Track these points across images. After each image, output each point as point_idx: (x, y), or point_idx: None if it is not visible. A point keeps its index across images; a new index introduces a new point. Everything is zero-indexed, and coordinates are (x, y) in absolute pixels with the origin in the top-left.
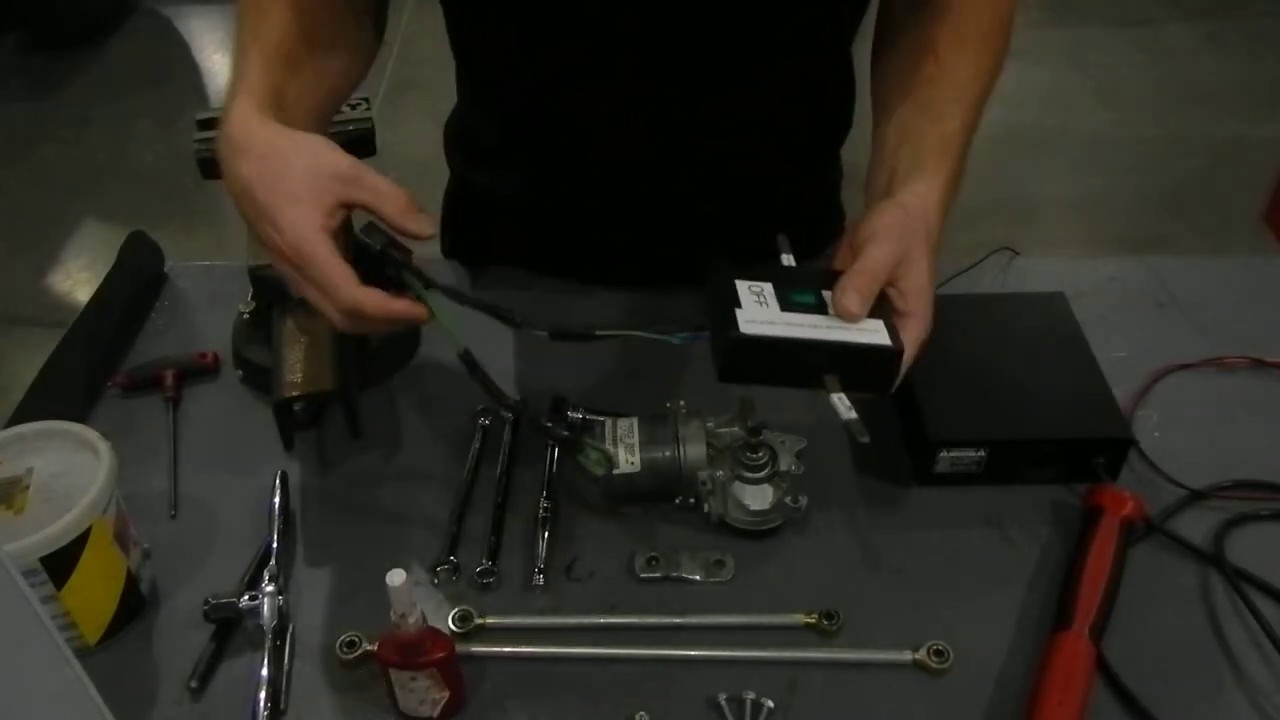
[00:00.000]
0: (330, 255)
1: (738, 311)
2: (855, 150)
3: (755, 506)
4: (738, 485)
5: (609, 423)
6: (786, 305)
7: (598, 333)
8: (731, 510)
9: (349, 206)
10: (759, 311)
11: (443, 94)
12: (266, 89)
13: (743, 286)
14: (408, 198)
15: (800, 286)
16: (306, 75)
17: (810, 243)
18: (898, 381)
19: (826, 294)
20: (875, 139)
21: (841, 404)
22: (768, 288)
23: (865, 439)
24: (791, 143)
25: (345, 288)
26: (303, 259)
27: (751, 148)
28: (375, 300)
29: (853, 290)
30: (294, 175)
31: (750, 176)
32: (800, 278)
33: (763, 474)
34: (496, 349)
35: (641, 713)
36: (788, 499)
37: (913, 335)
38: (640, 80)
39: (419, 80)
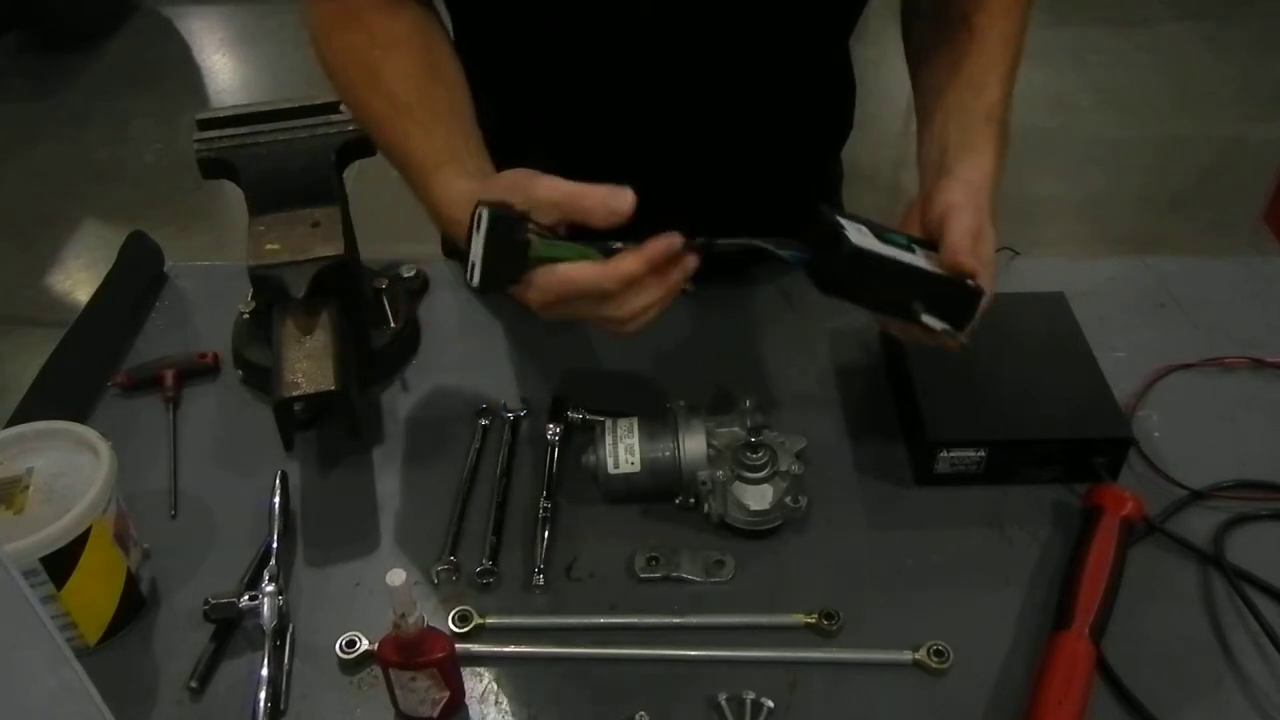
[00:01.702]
0: (568, 265)
1: (845, 232)
2: (855, 150)
3: (755, 506)
4: (738, 485)
5: (609, 423)
6: (883, 240)
7: (718, 242)
8: (731, 510)
9: (570, 224)
10: (862, 238)
11: None
12: (446, 155)
13: (844, 220)
14: (602, 192)
15: (890, 232)
16: (454, 108)
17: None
18: (973, 324)
19: (914, 246)
20: (920, 114)
21: (934, 321)
22: (865, 225)
23: (964, 340)
24: (792, 144)
25: (600, 275)
26: (552, 282)
27: (752, 148)
28: (631, 259)
29: (967, 250)
30: None
31: (751, 176)
32: (888, 229)
33: (763, 474)
34: (497, 349)
35: (641, 713)
36: (788, 499)
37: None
38: (643, 79)
39: None
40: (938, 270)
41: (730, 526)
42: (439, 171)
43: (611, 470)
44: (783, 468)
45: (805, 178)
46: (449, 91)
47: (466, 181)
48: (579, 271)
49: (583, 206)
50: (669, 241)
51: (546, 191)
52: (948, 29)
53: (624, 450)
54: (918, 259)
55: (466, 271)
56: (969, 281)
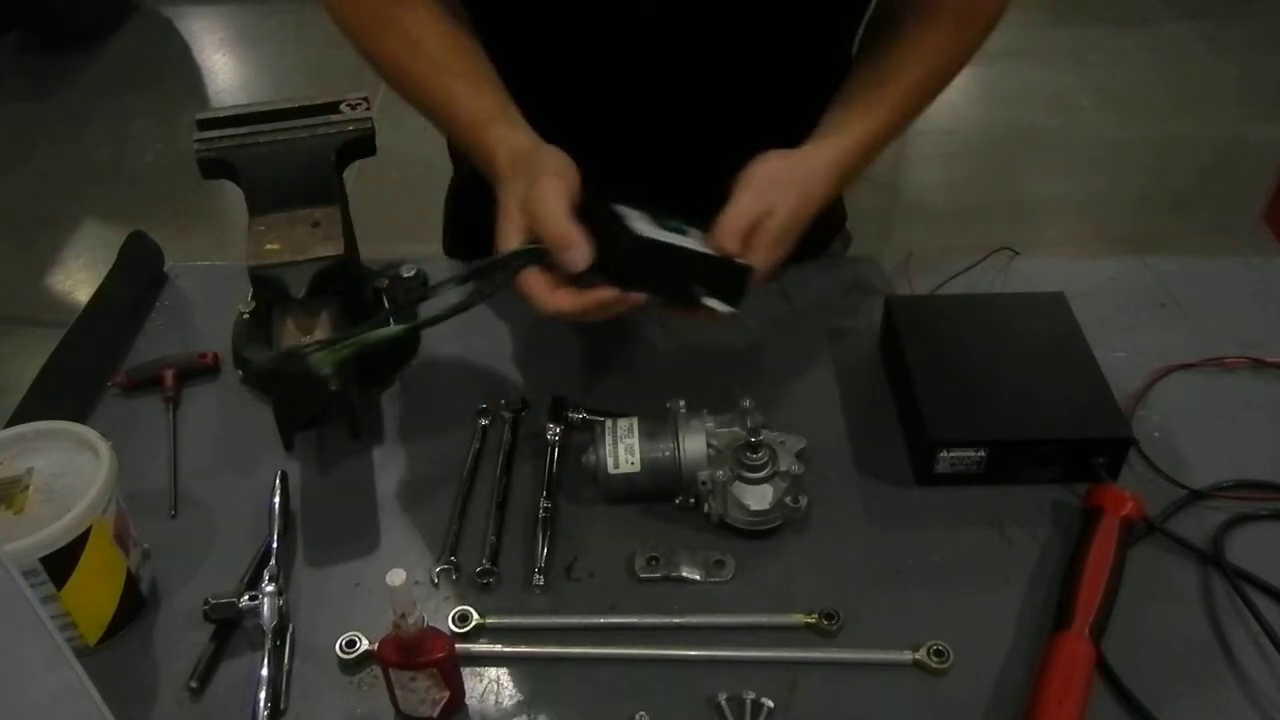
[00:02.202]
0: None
1: (628, 223)
2: None
3: (755, 506)
4: (738, 485)
5: (609, 423)
6: (662, 226)
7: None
8: (731, 510)
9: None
10: (644, 227)
11: None
12: (498, 109)
13: (624, 209)
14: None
15: (668, 217)
16: (493, 75)
17: (812, 241)
18: (744, 298)
19: (689, 229)
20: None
21: (716, 304)
22: (645, 212)
23: (753, 324)
24: (792, 143)
25: (543, 298)
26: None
27: (753, 147)
28: (568, 302)
29: (732, 231)
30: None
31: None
32: (662, 212)
33: (763, 474)
34: (497, 349)
35: (641, 713)
36: (788, 499)
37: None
38: (643, 80)
39: None
40: (711, 251)
41: (730, 526)
42: (494, 125)
43: (611, 470)
44: (783, 468)
45: None
46: (477, 48)
47: (523, 134)
48: (536, 285)
49: (555, 247)
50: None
51: (543, 214)
52: (887, 29)
53: (624, 450)
54: (693, 241)
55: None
56: (736, 261)
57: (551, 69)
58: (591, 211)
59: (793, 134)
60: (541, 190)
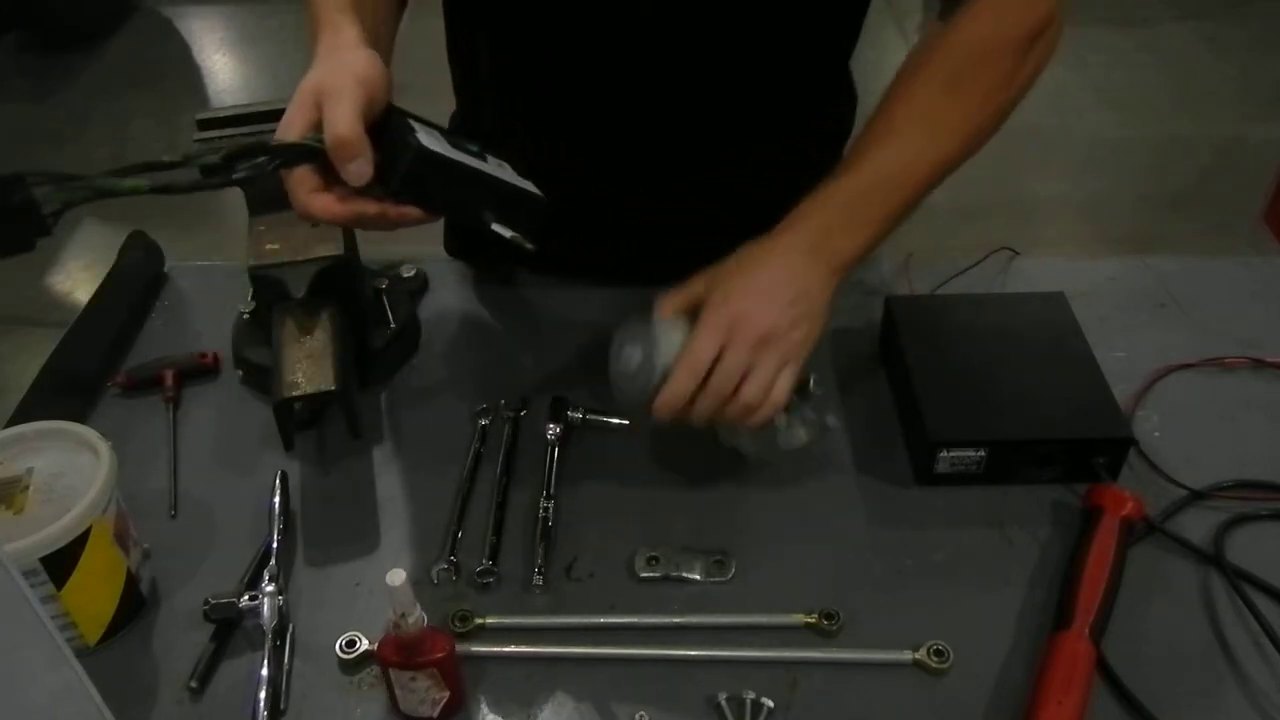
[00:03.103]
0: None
1: (416, 135)
2: None
3: (791, 446)
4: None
5: (659, 319)
6: (456, 148)
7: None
8: (765, 450)
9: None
10: (434, 142)
11: (441, 95)
12: (349, 5)
13: (416, 123)
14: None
15: (466, 141)
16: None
17: None
18: (540, 231)
19: (491, 159)
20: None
21: (504, 230)
22: (438, 132)
23: (530, 247)
24: (791, 150)
25: (300, 193)
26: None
27: (751, 152)
28: (321, 205)
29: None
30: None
31: (750, 180)
32: (466, 140)
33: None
34: (497, 349)
35: (641, 713)
36: (825, 419)
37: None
38: (640, 85)
39: (417, 81)
40: (510, 179)
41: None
42: (335, 14)
43: (662, 363)
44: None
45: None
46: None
47: (353, 31)
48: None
49: (336, 153)
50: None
51: (334, 116)
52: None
53: (667, 346)
54: (489, 167)
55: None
56: (535, 191)
57: (551, 69)
58: (387, 126)
59: (790, 131)
60: (338, 89)
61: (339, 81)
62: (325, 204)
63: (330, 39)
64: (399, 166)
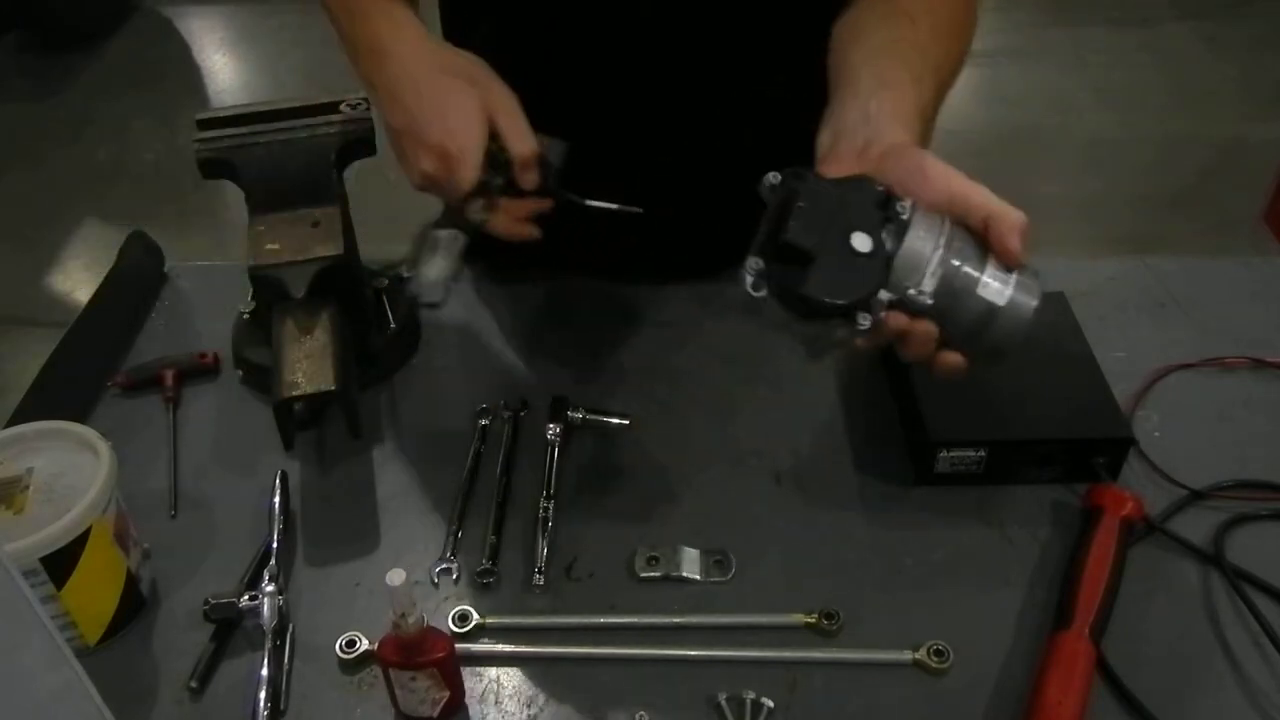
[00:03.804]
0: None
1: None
2: None
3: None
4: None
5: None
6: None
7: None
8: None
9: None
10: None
11: None
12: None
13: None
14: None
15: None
16: None
17: None
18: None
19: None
20: (841, 78)
21: (607, 204)
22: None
23: (637, 209)
24: (792, 141)
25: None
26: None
27: (752, 144)
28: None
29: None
30: (484, 78)
31: (751, 174)
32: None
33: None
34: (497, 349)
35: (641, 713)
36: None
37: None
38: (640, 75)
39: None
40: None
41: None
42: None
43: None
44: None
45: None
46: None
47: (400, 11)
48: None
49: (523, 168)
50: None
51: (516, 129)
52: (886, 20)
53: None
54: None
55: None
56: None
57: (551, 68)
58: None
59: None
60: (508, 107)
61: (503, 99)
62: (507, 224)
63: (417, 31)
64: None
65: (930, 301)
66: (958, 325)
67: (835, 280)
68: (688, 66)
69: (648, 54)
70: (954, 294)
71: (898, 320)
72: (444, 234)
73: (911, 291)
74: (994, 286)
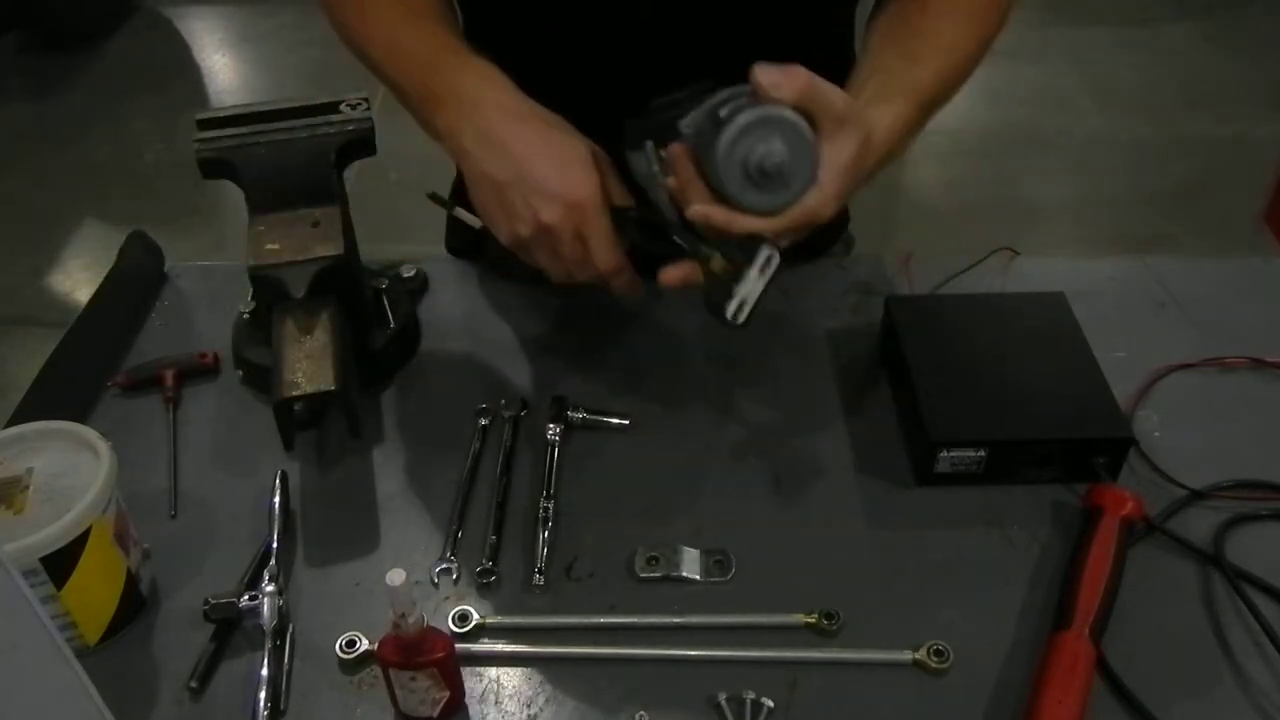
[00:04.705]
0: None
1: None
2: None
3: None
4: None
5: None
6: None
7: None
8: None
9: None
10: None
11: None
12: (449, 46)
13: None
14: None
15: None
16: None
17: (810, 242)
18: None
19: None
20: (850, 76)
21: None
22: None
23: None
24: None
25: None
26: (594, 208)
27: None
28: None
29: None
30: (582, 143)
31: None
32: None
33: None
34: (497, 349)
35: (641, 713)
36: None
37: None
38: (644, 66)
39: None
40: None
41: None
42: (480, 57)
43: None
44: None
45: None
46: (438, 22)
47: (485, 64)
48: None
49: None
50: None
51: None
52: (902, 12)
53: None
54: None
55: (731, 309)
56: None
57: (551, 70)
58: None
59: None
60: (603, 155)
61: (598, 151)
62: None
63: (488, 74)
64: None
65: (689, 130)
66: (712, 151)
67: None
68: (688, 68)
69: (648, 56)
70: (714, 121)
71: (675, 153)
72: (764, 251)
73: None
74: (741, 118)
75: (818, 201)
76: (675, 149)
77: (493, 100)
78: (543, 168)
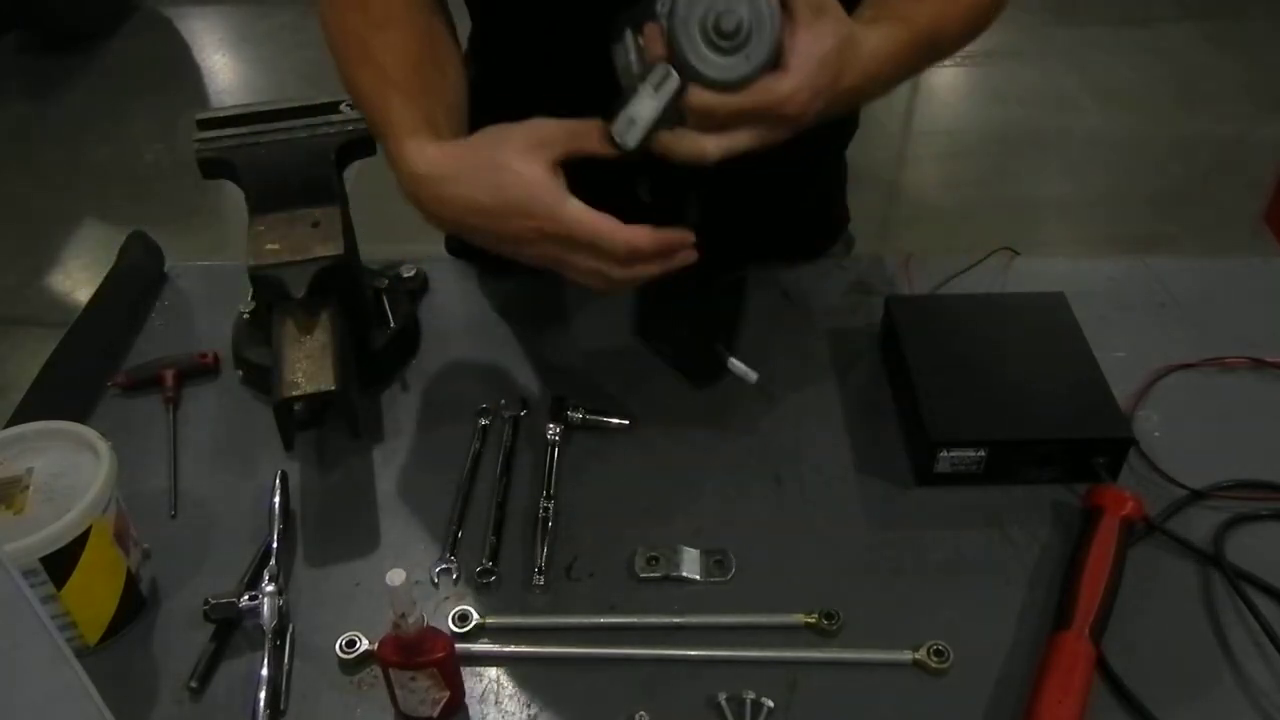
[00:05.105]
0: (587, 210)
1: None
2: (855, 149)
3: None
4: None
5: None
6: None
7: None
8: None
9: (563, 159)
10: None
11: None
12: (423, 123)
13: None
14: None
15: None
16: (444, 95)
17: (811, 243)
18: None
19: None
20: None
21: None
22: None
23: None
24: (797, 138)
25: (616, 232)
26: (564, 226)
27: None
28: (646, 235)
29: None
30: (511, 168)
31: (755, 170)
32: None
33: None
34: (497, 349)
35: (641, 713)
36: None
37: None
38: None
39: None
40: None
41: None
42: (414, 137)
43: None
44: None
45: (810, 175)
46: (439, 70)
47: (437, 147)
48: (598, 222)
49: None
50: (684, 237)
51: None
52: None
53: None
54: None
55: (618, 127)
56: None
57: (553, 70)
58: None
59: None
60: (541, 131)
61: (535, 132)
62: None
63: (407, 145)
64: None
65: (663, 8)
66: (673, 14)
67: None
68: None
69: None
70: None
71: (649, 34)
72: (659, 69)
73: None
74: None
75: (787, 86)
76: (650, 29)
77: (407, 173)
78: (483, 205)
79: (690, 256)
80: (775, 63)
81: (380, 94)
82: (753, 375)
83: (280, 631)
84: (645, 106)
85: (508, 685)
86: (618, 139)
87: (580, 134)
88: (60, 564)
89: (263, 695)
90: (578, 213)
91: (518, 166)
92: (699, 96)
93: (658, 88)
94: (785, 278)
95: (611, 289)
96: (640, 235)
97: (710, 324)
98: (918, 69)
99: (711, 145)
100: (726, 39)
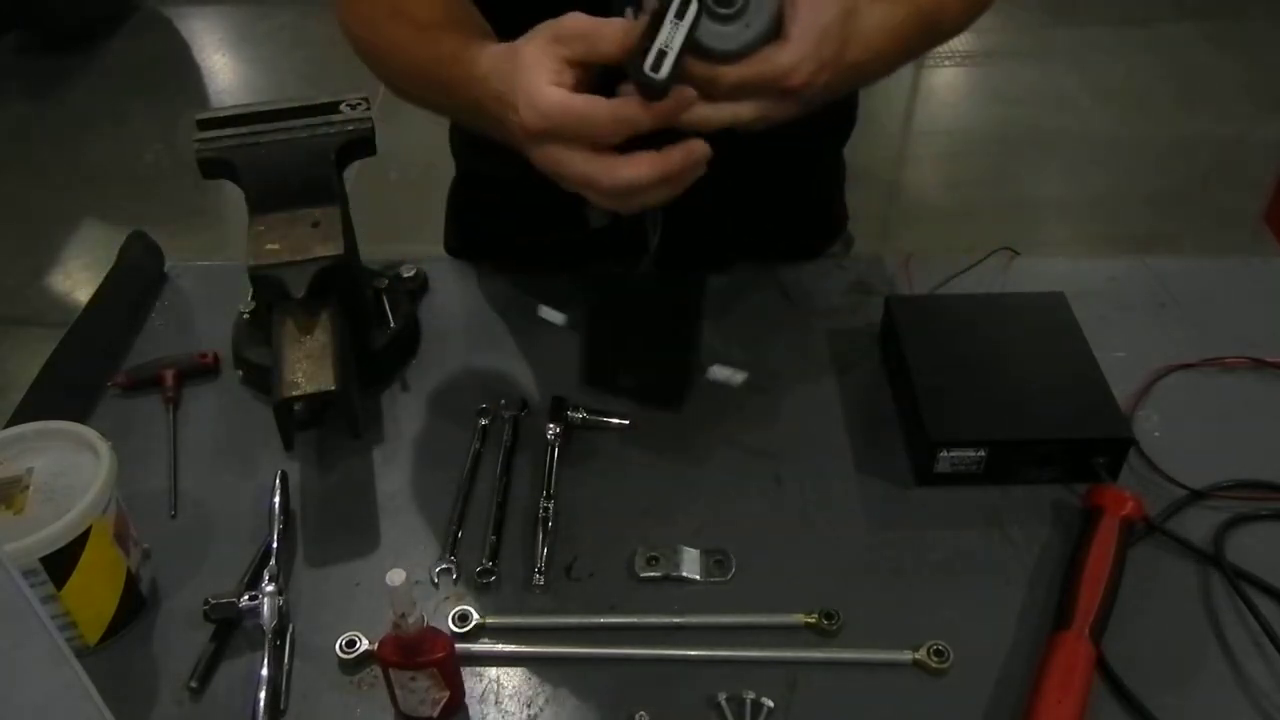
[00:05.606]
0: (570, 96)
1: None
2: (855, 150)
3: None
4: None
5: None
6: None
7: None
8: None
9: (578, 64)
10: None
11: None
12: (477, 33)
13: None
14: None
15: None
16: (481, 23)
17: (810, 242)
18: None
19: None
20: None
21: None
22: None
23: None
24: (795, 135)
25: (597, 109)
26: (546, 116)
27: (755, 138)
28: (633, 104)
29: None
30: (516, 57)
31: (754, 168)
32: None
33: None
34: (497, 349)
35: (641, 713)
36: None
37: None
38: None
39: None
40: None
41: None
42: (466, 49)
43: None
44: None
45: (808, 173)
46: (464, 8)
47: (495, 47)
48: (591, 106)
49: (601, 35)
50: (689, 150)
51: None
52: None
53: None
54: None
55: (649, 61)
56: None
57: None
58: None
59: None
60: (555, 31)
61: (550, 36)
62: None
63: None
64: None
65: None
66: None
67: None
68: None
69: None
70: None
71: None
72: None
73: None
74: None
75: (788, 58)
76: None
77: (479, 77)
78: (502, 97)
79: (700, 169)
80: (776, 32)
81: (424, 36)
82: (739, 377)
83: (280, 631)
84: (673, 36)
85: (508, 685)
86: (650, 72)
87: (598, 34)
88: (60, 564)
89: (263, 695)
90: (555, 94)
91: (524, 55)
92: (699, 66)
93: (679, 14)
94: (785, 277)
95: (618, 200)
96: (629, 106)
97: (679, 342)
98: (919, 49)
99: (713, 111)
100: (726, 5)
